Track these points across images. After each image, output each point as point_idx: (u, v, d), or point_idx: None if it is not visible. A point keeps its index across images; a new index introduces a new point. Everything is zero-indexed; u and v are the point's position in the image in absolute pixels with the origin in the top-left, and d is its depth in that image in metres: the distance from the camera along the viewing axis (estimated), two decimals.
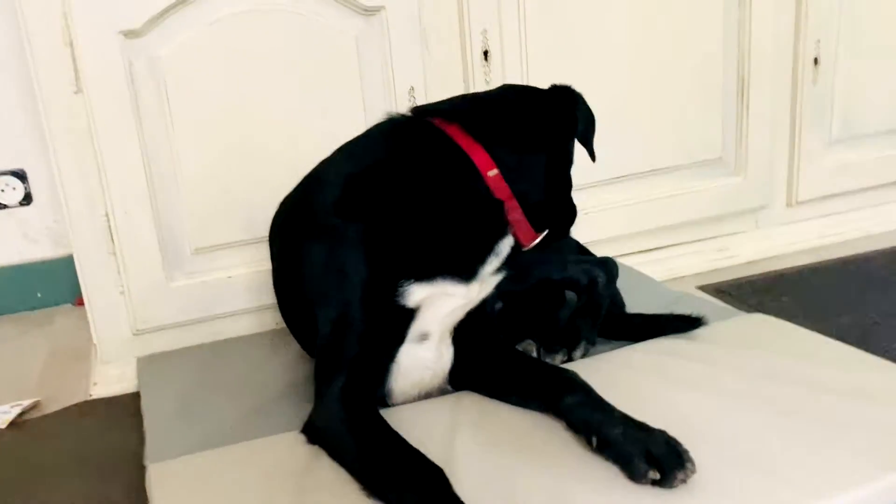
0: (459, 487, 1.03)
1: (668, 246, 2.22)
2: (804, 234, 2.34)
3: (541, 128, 1.32)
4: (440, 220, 1.24)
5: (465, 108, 1.33)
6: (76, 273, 2.28)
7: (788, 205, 2.32)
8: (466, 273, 1.27)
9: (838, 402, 1.21)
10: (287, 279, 1.45)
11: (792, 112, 2.23)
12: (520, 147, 1.29)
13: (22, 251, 2.36)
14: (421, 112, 1.34)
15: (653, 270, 2.09)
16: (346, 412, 1.19)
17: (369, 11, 1.74)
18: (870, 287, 2.04)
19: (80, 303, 2.34)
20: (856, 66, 2.25)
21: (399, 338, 1.26)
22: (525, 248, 1.31)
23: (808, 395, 1.23)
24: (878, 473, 1.05)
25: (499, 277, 1.32)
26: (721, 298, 2.02)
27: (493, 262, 1.29)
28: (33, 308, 2.37)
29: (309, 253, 1.31)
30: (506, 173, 1.25)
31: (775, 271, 2.19)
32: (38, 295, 2.38)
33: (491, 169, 1.24)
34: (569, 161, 1.39)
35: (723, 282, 2.15)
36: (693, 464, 1.06)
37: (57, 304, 2.39)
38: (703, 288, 2.12)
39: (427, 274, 1.24)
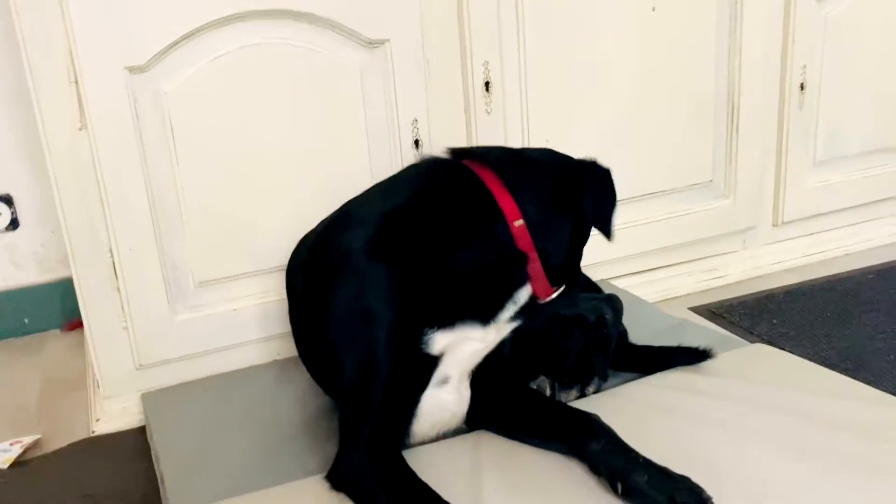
0: None
1: (659, 267, 2.26)
2: (790, 254, 2.39)
3: (570, 192, 1.35)
4: (466, 266, 1.25)
5: (500, 158, 1.35)
6: (64, 298, 2.28)
7: (774, 225, 2.37)
8: (485, 318, 1.29)
9: (850, 439, 1.25)
10: (308, 317, 1.44)
11: (779, 135, 2.28)
12: (548, 205, 1.31)
13: (8, 277, 2.33)
14: (457, 153, 1.36)
15: (645, 292, 2.13)
16: (374, 460, 1.20)
17: (373, 44, 1.74)
18: (858, 306, 2.10)
19: (69, 328, 2.33)
20: (839, 90, 2.31)
21: (423, 383, 1.27)
22: (540, 302, 1.33)
23: (820, 432, 1.27)
24: None
25: (515, 324, 1.34)
26: (714, 321, 2.07)
27: (511, 310, 1.31)
28: (21, 334, 2.33)
29: (335, 294, 1.30)
30: (531, 227, 1.27)
31: (764, 291, 2.24)
32: (26, 321, 2.34)
33: (517, 219, 1.26)
34: (587, 231, 1.41)
35: (714, 302, 2.20)
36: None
37: (45, 329, 2.36)
38: (694, 309, 2.16)
39: (450, 320, 1.25)
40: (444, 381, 1.31)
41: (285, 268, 1.75)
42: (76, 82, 1.55)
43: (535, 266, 1.29)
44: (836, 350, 1.88)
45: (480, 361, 1.35)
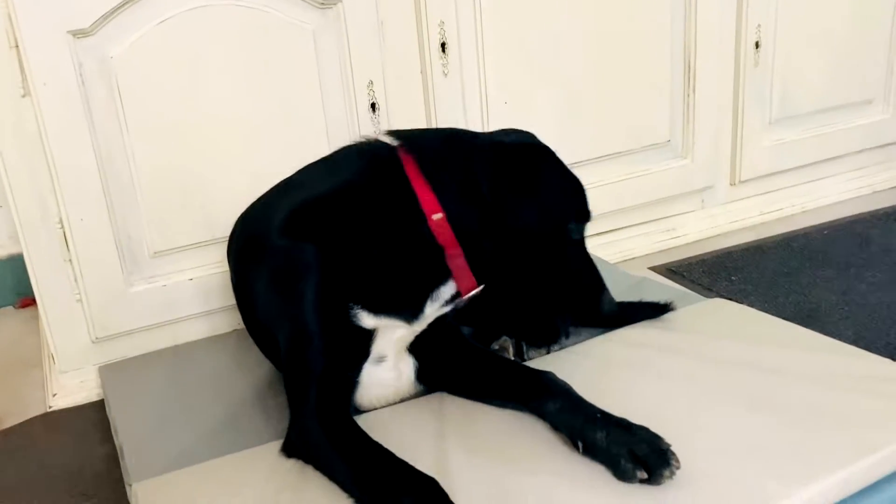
0: (453, 496, 1.04)
1: (619, 228, 2.27)
2: (747, 212, 2.42)
3: (503, 181, 1.24)
4: (383, 257, 1.23)
5: (429, 145, 1.29)
6: (16, 275, 2.23)
7: (731, 184, 2.40)
8: (408, 312, 1.27)
9: (807, 388, 1.27)
10: (244, 296, 1.44)
11: (735, 95, 2.30)
12: (472, 195, 1.23)
13: None
14: (395, 136, 1.31)
15: (606, 253, 2.14)
16: (325, 426, 1.19)
17: (325, 5, 1.71)
18: (813, 262, 2.14)
19: (23, 305, 2.28)
20: (793, 49, 2.33)
21: (362, 353, 1.26)
22: (462, 298, 1.30)
23: (777, 383, 1.29)
24: (852, 458, 1.11)
25: (446, 309, 1.32)
26: (674, 279, 2.09)
27: (434, 305, 1.29)
28: None
29: (260, 272, 1.31)
30: (453, 220, 1.22)
31: (722, 249, 2.27)
32: None
33: (436, 213, 1.22)
34: (527, 220, 1.26)
35: (673, 262, 2.22)
36: (677, 460, 1.09)
37: None
38: (654, 268, 2.18)
39: (373, 307, 1.24)
40: (381, 359, 1.30)
41: None
42: (17, 47, 1.50)
43: (457, 262, 1.24)
44: (792, 304, 1.91)
45: (425, 331, 1.34)
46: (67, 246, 1.63)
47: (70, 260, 1.64)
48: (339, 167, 1.33)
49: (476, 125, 1.95)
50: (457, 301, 1.31)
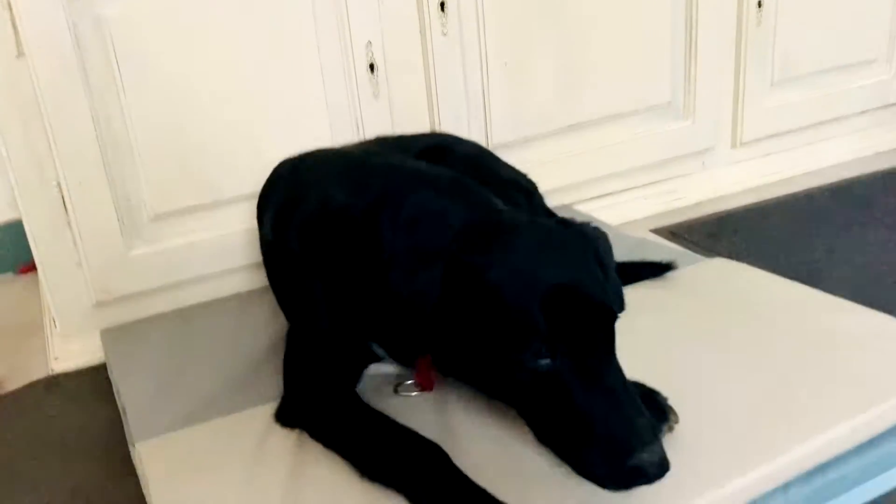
0: (460, 463, 1.03)
1: (620, 191, 2.26)
2: (749, 174, 2.41)
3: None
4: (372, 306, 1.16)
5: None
6: (16, 241, 2.21)
7: (733, 146, 2.38)
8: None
9: (809, 344, 1.27)
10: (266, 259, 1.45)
11: (737, 55, 2.27)
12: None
13: None
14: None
15: (606, 216, 2.12)
16: (324, 393, 1.20)
17: None
18: (814, 223, 2.13)
19: (23, 271, 2.27)
20: (796, 8, 2.30)
21: (363, 361, 1.27)
22: None
23: (779, 340, 1.29)
24: (853, 413, 1.11)
25: None
26: (675, 241, 2.08)
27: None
28: None
29: (281, 271, 1.34)
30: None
31: (724, 211, 2.26)
32: None
33: None
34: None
35: (674, 224, 2.21)
36: (676, 415, 1.09)
37: None
38: (656, 231, 2.17)
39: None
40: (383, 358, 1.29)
41: (242, 199, 1.73)
42: (10, 7, 1.47)
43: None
44: (793, 265, 1.91)
45: None
46: (66, 209, 1.62)
47: (69, 224, 1.63)
48: (349, 181, 1.26)
49: (475, 87, 1.94)
50: None
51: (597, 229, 1.14)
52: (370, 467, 1.07)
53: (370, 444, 1.10)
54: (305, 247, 1.25)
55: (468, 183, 1.20)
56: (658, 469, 0.91)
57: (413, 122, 1.83)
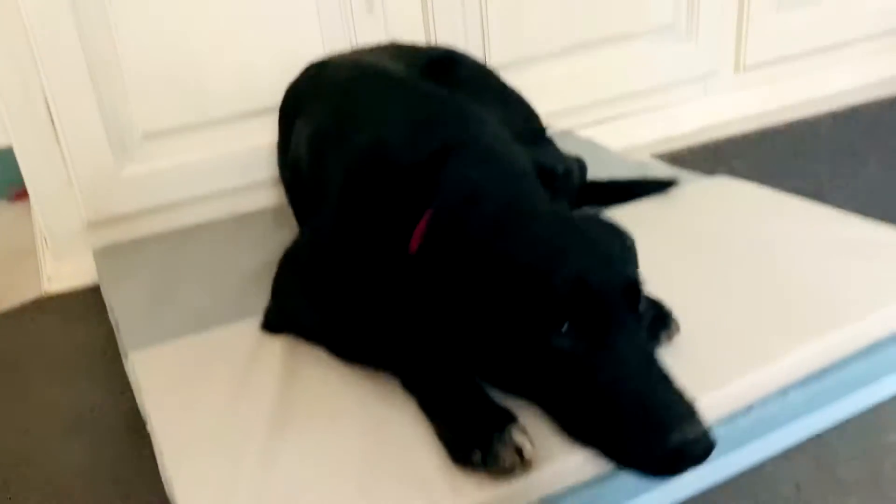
0: None
1: (619, 116, 2.22)
2: (751, 100, 2.36)
3: None
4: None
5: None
6: (7, 168, 2.18)
7: (736, 70, 2.33)
8: None
9: (811, 254, 1.26)
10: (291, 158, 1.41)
11: None
12: None
13: None
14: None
15: (607, 141, 2.09)
16: (314, 291, 1.18)
17: None
18: (816, 149, 2.10)
19: (17, 198, 2.24)
20: None
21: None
22: None
23: (781, 250, 1.28)
24: (850, 321, 1.10)
25: None
26: (675, 165, 2.05)
27: None
28: None
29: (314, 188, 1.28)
30: None
31: (725, 137, 2.23)
32: None
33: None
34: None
35: (675, 150, 2.18)
36: (678, 325, 1.08)
37: None
38: (657, 156, 2.14)
39: None
40: None
41: (235, 118, 1.70)
42: None
43: None
44: (794, 188, 1.85)
45: None
46: (54, 127, 1.59)
47: (58, 141, 1.60)
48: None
49: (473, 2, 1.88)
50: None
51: (620, 227, 1.11)
52: (360, 351, 1.08)
53: (355, 335, 1.09)
54: (346, 184, 1.20)
55: (509, 154, 1.18)
56: (703, 448, 0.84)
57: (408, 35, 1.78)
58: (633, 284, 0.96)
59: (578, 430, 0.92)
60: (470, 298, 0.96)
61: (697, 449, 0.84)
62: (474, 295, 0.96)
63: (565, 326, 0.91)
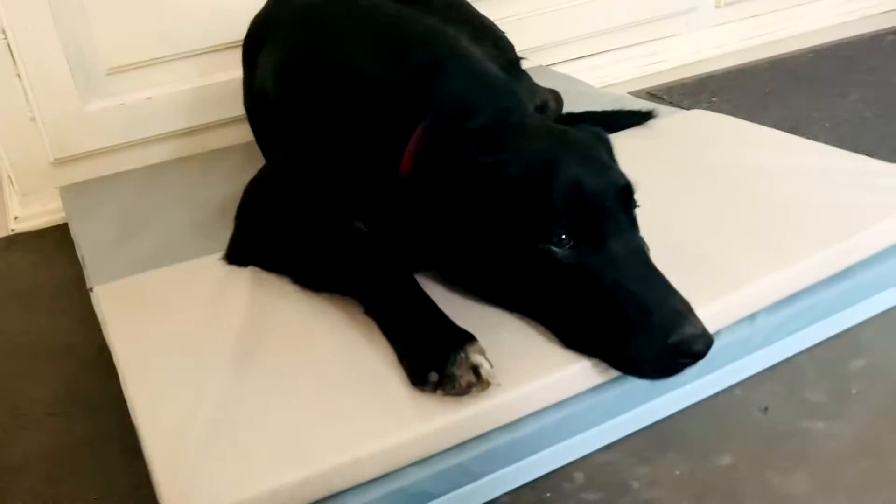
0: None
1: (599, 52, 2.19)
2: (732, 37, 2.34)
3: None
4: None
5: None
6: None
7: (717, 6, 2.30)
8: None
9: (789, 181, 1.25)
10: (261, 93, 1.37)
11: None
12: None
13: None
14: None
15: (585, 78, 2.07)
16: (281, 219, 1.16)
17: None
18: (796, 85, 2.08)
19: None
20: None
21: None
22: None
23: (760, 178, 1.28)
24: (818, 247, 1.09)
25: None
26: (653, 101, 2.02)
27: None
28: None
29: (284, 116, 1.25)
30: None
31: (705, 74, 2.20)
32: None
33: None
34: None
35: (655, 85, 2.15)
36: (647, 247, 1.06)
37: None
38: (634, 93, 2.11)
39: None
40: None
41: (202, 52, 1.66)
42: None
43: None
44: (773, 121, 1.84)
45: None
46: (13, 59, 1.54)
47: (19, 75, 1.56)
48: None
49: None
50: None
51: (606, 133, 1.12)
52: (325, 278, 1.07)
53: (326, 257, 1.08)
54: (321, 109, 1.18)
55: (491, 72, 1.17)
56: (703, 343, 0.86)
57: None
58: (627, 187, 0.97)
59: (578, 338, 0.94)
60: (470, 211, 0.97)
61: (698, 345, 0.86)
62: (474, 207, 0.96)
63: (564, 233, 0.92)
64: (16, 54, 1.53)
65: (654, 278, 0.92)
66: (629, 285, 0.90)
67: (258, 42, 1.40)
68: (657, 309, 0.88)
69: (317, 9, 1.34)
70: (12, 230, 1.66)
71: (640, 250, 0.95)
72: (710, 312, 1.00)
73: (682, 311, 0.88)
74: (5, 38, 1.52)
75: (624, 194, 0.96)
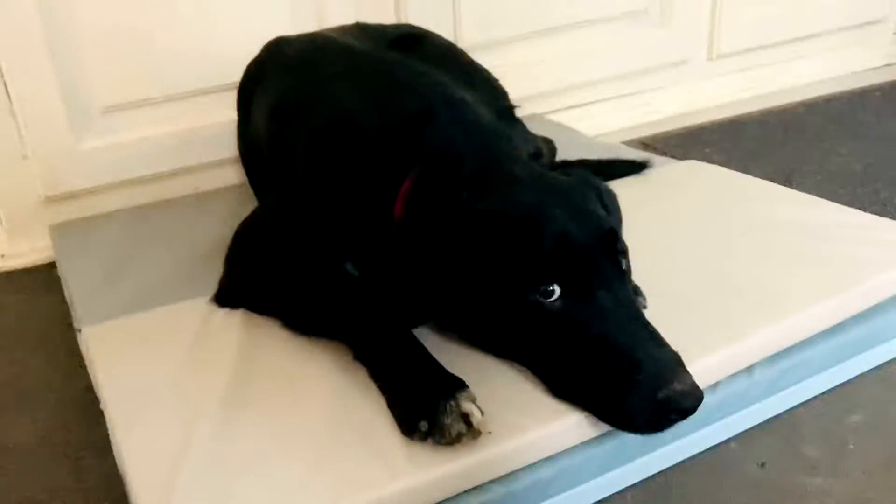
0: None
1: (592, 102, 2.20)
2: (724, 89, 2.36)
3: None
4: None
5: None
6: None
7: (709, 59, 2.33)
8: None
9: (776, 236, 1.25)
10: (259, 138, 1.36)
11: None
12: None
13: None
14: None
15: (579, 127, 2.08)
16: (272, 263, 1.15)
17: None
18: (788, 137, 2.10)
19: None
20: None
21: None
22: None
23: (748, 231, 1.27)
24: (815, 300, 1.09)
25: None
26: (647, 151, 2.04)
27: None
28: None
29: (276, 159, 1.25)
30: None
31: (697, 125, 2.22)
32: None
33: None
34: None
35: (647, 136, 2.17)
36: (644, 298, 1.08)
37: None
38: (628, 143, 2.12)
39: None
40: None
41: (197, 93, 1.66)
42: None
43: None
44: (765, 174, 1.85)
45: None
46: (8, 96, 1.53)
47: (13, 113, 1.55)
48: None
49: None
50: None
51: (597, 179, 1.12)
52: (315, 323, 1.06)
53: (316, 302, 1.08)
54: (314, 153, 1.18)
55: (484, 118, 1.16)
56: (692, 400, 0.85)
57: (378, 16, 1.75)
58: (612, 236, 0.96)
59: (566, 388, 0.92)
60: (457, 258, 0.96)
61: (687, 402, 0.85)
62: (462, 255, 0.96)
63: (552, 284, 0.91)
64: (11, 92, 1.53)
65: (643, 331, 0.91)
66: (618, 338, 0.89)
67: (253, 86, 1.41)
68: (646, 363, 0.86)
69: (311, 55, 1.35)
70: (0, 268, 1.64)
71: (630, 302, 0.94)
72: (707, 364, 0.99)
73: (671, 366, 0.86)
74: (1, 76, 1.51)
75: (608, 242, 0.95)
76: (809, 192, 1.72)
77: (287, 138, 1.24)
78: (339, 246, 1.13)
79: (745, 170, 1.87)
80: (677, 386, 0.84)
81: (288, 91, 1.29)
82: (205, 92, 1.69)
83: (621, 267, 0.96)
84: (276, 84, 1.33)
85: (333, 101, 1.20)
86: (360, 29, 1.52)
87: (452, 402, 0.86)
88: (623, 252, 0.98)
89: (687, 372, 0.86)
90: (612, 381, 0.87)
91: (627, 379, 0.86)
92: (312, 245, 1.13)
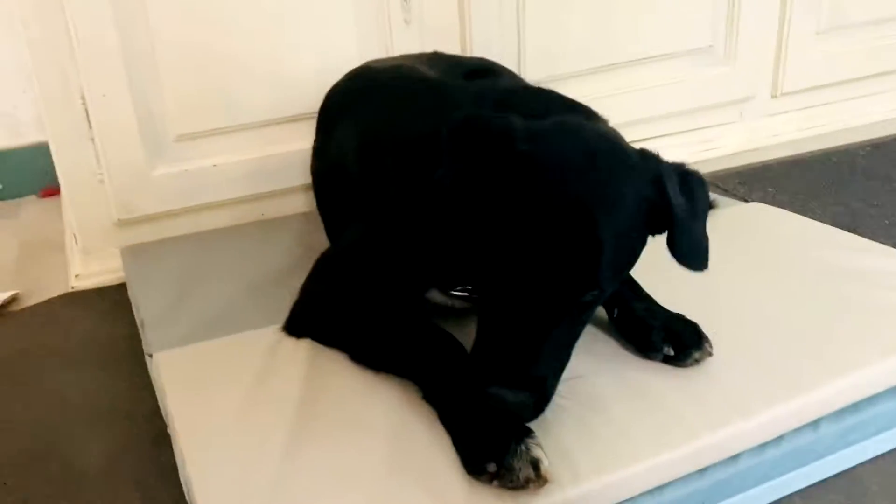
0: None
1: (653, 137, 2.19)
2: (787, 126, 2.33)
3: None
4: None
5: None
6: (39, 164, 2.20)
7: (773, 96, 2.30)
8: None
9: (844, 286, 1.23)
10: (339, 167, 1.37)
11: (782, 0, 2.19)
12: None
13: None
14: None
15: None
16: (349, 297, 1.16)
17: None
18: (851, 178, 2.06)
19: (46, 194, 2.27)
20: None
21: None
22: None
23: (815, 280, 1.25)
24: (885, 354, 1.07)
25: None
26: (710, 189, 2.02)
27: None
28: None
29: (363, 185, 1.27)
30: None
31: (760, 163, 2.20)
32: (0, 186, 2.27)
33: None
34: None
35: (708, 173, 2.15)
36: (711, 346, 1.07)
37: (20, 195, 2.28)
38: None
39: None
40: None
41: (268, 123, 1.70)
42: None
43: None
44: (830, 217, 1.84)
45: None
46: (89, 123, 1.59)
47: (92, 139, 1.61)
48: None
49: (510, 18, 1.88)
50: None
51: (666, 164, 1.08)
52: (384, 360, 1.08)
53: (390, 338, 1.09)
54: (400, 185, 1.18)
55: None
56: (518, 410, 0.89)
57: (444, 51, 1.77)
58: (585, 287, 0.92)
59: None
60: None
61: (511, 407, 0.88)
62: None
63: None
64: (91, 118, 1.59)
65: (535, 348, 0.90)
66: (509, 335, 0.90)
67: (338, 111, 1.43)
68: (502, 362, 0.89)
69: (397, 83, 1.36)
70: (73, 287, 1.70)
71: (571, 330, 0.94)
72: (772, 416, 0.99)
73: (517, 381, 0.88)
74: (84, 103, 1.58)
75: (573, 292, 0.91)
76: (876, 235, 1.71)
77: (375, 169, 1.25)
78: (425, 272, 1.15)
79: (809, 211, 1.86)
80: (506, 396, 0.88)
81: (379, 122, 1.30)
82: (274, 122, 1.73)
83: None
84: (365, 112, 1.34)
85: (416, 137, 1.18)
86: (437, 58, 1.54)
87: (523, 447, 0.87)
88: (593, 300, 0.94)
89: (525, 395, 0.88)
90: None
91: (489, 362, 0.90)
92: (400, 274, 1.15)
